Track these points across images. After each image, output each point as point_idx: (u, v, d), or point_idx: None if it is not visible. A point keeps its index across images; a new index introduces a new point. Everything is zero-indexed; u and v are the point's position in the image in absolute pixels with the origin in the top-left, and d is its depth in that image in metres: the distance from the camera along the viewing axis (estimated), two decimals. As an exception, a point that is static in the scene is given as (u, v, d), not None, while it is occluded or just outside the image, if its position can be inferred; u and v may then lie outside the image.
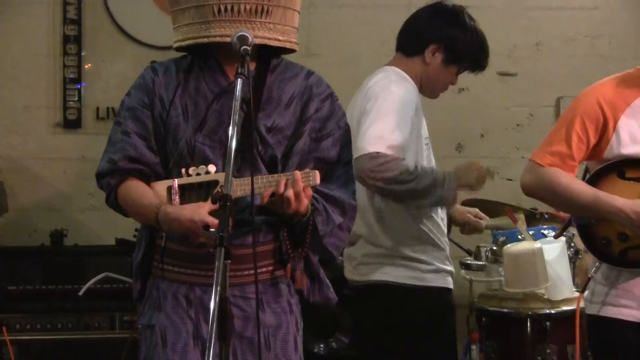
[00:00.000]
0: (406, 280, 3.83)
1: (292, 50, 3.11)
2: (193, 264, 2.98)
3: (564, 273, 4.22)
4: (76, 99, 5.61)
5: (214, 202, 2.76)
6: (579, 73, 5.69)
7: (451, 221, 4.16)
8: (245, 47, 2.77)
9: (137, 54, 5.63)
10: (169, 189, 2.85)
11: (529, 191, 3.46)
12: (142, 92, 3.05)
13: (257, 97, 3.00)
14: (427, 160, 3.89)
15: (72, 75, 5.60)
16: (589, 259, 3.97)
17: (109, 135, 3.07)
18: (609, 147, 3.35)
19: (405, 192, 3.66)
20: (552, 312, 4.20)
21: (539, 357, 4.18)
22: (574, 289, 4.27)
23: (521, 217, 4.50)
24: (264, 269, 3.00)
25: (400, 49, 3.99)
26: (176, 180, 2.83)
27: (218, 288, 2.38)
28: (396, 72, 3.88)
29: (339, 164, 3.08)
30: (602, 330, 3.41)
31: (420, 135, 3.84)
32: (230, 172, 2.57)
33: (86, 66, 5.64)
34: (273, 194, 2.83)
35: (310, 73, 3.13)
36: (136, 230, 4.82)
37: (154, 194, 2.90)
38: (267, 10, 2.96)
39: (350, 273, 3.95)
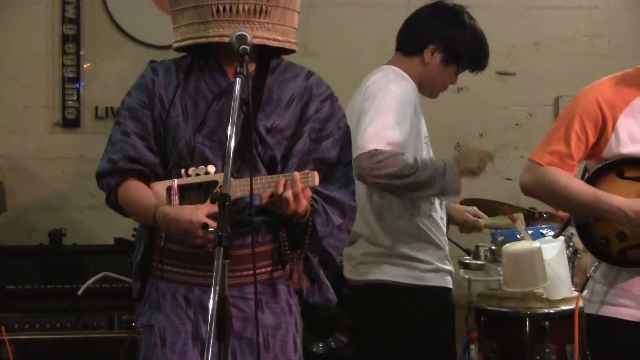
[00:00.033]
0: (405, 279, 3.83)
1: (291, 51, 3.11)
2: (192, 265, 2.98)
3: (563, 272, 4.22)
4: (75, 98, 5.61)
5: (212, 202, 2.76)
6: (578, 72, 5.69)
7: (450, 220, 4.16)
8: (244, 46, 2.76)
9: (135, 54, 5.62)
10: (169, 189, 2.84)
11: (528, 190, 3.47)
12: (142, 92, 3.05)
13: (256, 97, 3.00)
14: (427, 159, 3.89)
15: (70, 75, 5.60)
16: (587, 259, 3.97)
17: (109, 135, 3.08)
18: (607, 146, 3.35)
19: (407, 186, 3.65)
20: (551, 311, 4.20)
21: (538, 357, 4.18)
22: (573, 289, 4.27)
23: (520, 216, 4.51)
24: (263, 270, 3.00)
25: (400, 49, 3.99)
26: (175, 180, 2.83)
27: (217, 287, 2.38)
28: (395, 71, 3.88)
29: (339, 165, 3.08)
30: (601, 330, 3.41)
31: (419, 134, 3.84)
32: (229, 172, 2.57)
33: (85, 65, 5.64)
34: (272, 195, 2.83)
35: (310, 74, 3.13)
36: (135, 229, 4.82)
37: (154, 194, 2.90)
38: (266, 11, 2.97)
39: (350, 272, 3.95)
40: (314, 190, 2.93)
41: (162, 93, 3.03)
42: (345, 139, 3.12)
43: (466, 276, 4.65)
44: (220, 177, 2.77)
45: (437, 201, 3.92)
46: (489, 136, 5.77)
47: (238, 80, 2.71)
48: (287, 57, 3.15)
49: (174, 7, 3.06)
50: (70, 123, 5.61)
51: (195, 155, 2.97)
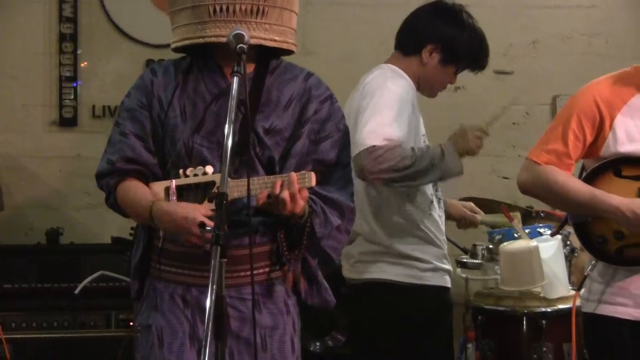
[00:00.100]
0: (404, 278, 3.83)
1: (290, 52, 3.11)
2: (190, 265, 2.98)
3: (560, 271, 4.22)
4: (72, 97, 5.60)
5: (210, 201, 2.76)
6: (576, 72, 5.68)
7: (447, 215, 4.15)
8: (241, 45, 2.77)
9: (133, 52, 5.62)
10: (167, 189, 2.85)
11: (525, 189, 3.47)
12: (141, 93, 3.06)
13: (255, 98, 3.00)
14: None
15: (68, 74, 5.59)
16: (584, 257, 3.97)
17: (108, 135, 3.09)
18: (605, 145, 3.35)
19: (408, 177, 3.64)
20: (548, 310, 4.20)
21: (535, 356, 4.18)
22: (570, 287, 4.27)
23: (517, 215, 4.51)
24: (260, 270, 3.00)
25: (399, 48, 3.99)
26: (174, 181, 2.83)
27: (214, 286, 2.38)
28: (393, 69, 3.88)
29: (338, 166, 3.08)
30: (598, 329, 3.41)
31: (418, 132, 3.84)
32: (227, 170, 2.57)
33: (82, 64, 5.63)
34: (269, 195, 2.83)
35: (309, 75, 3.13)
36: (132, 228, 4.85)
37: (152, 194, 2.90)
38: (263, 11, 2.97)
39: (348, 271, 3.95)
40: (312, 191, 2.93)
41: (161, 94, 3.04)
42: (344, 140, 3.12)
43: (463, 275, 4.65)
44: (218, 178, 2.77)
45: (435, 200, 3.92)
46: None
47: (235, 79, 2.71)
48: (285, 57, 3.16)
49: (172, 8, 3.07)
50: (68, 122, 5.60)
51: (193, 155, 2.97)
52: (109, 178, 3.04)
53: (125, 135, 3.02)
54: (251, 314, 2.89)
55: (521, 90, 5.80)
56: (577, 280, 4.02)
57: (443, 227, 3.98)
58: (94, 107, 5.61)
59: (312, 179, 2.82)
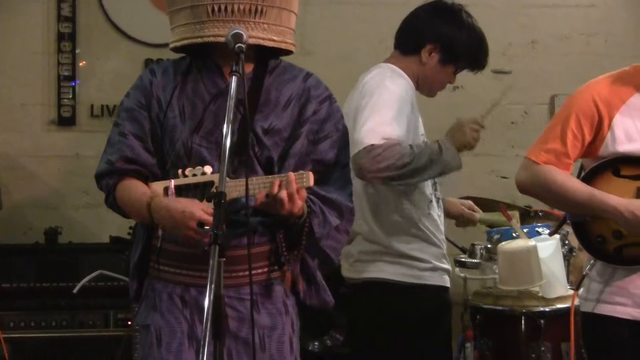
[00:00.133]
0: (403, 277, 3.83)
1: (289, 52, 3.10)
2: (189, 265, 2.98)
3: (558, 271, 4.22)
4: (70, 96, 5.60)
5: (208, 201, 2.76)
6: (574, 71, 5.69)
7: (446, 214, 4.15)
8: (239, 44, 2.77)
9: (131, 52, 5.63)
10: (166, 189, 2.85)
11: (524, 188, 3.47)
12: (139, 93, 3.06)
13: (254, 98, 3.00)
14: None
15: (66, 73, 5.59)
16: (583, 257, 3.97)
17: (108, 135, 3.10)
18: (604, 144, 3.35)
19: (407, 174, 3.64)
20: (547, 309, 4.21)
21: (533, 355, 4.19)
22: (568, 287, 4.27)
23: (515, 214, 4.51)
24: (259, 270, 3.00)
25: (398, 47, 3.98)
26: (172, 181, 2.84)
27: (212, 286, 2.38)
28: (392, 69, 3.88)
29: (337, 166, 3.08)
30: (597, 328, 3.41)
31: (417, 132, 3.84)
32: (225, 170, 2.57)
33: (80, 64, 5.63)
34: (267, 195, 2.83)
35: (308, 75, 3.13)
36: (130, 228, 4.84)
37: (151, 192, 2.90)
38: (261, 11, 2.96)
39: (347, 271, 3.95)
40: (311, 191, 2.93)
41: (160, 94, 3.04)
42: (343, 141, 3.12)
43: (462, 274, 4.65)
44: (216, 178, 2.77)
45: (435, 199, 3.92)
46: (485, 134, 5.75)
47: (234, 79, 2.71)
48: (283, 57, 3.16)
49: (171, 7, 3.07)
50: (66, 121, 5.60)
51: (192, 156, 2.97)
52: (108, 178, 3.04)
53: (124, 135, 3.02)
54: (250, 314, 2.90)
55: (519, 89, 5.79)
56: (576, 280, 4.02)
57: (442, 227, 3.97)
58: (92, 106, 5.61)
59: (310, 178, 2.82)
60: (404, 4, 4.29)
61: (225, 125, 2.63)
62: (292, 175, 2.80)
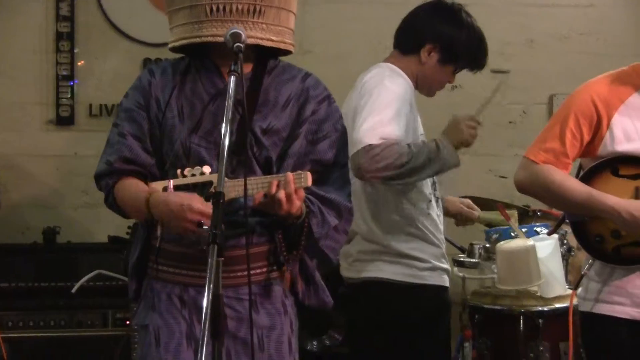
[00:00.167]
0: (402, 277, 3.82)
1: (288, 51, 3.10)
2: (187, 265, 2.98)
3: (557, 270, 4.23)
4: (69, 96, 5.59)
5: (207, 200, 2.76)
6: (573, 71, 5.68)
7: (445, 212, 4.15)
8: (238, 44, 2.77)
9: (129, 51, 5.62)
10: (165, 189, 2.85)
11: (522, 188, 3.47)
12: (138, 93, 3.06)
13: (253, 99, 3.00)
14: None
15: (64, 72, 5.59)
16: (581, 256, 3.98)
17: (107, 136, 3.10)
18: (602, 144, 3.35)
19: (405, 174, 3.63)
20: (545, 309, 4.21)
21: (532, 354, 4.19)
22: (567, 286, 4.28)
23: (514, 214, 4.51)
24: (258, 270, 3.00)
25: (397, 46, 3.98)
26: (171, 181, 2.84)
27: (211, 285, 2.38)
28: (391, 68, 3.87)
29: (336, 166, 3.08)
30: (595, 328, 3.41)
31: (416, 131, 3.84)
32: (223, 169, 2.57)
33: (79, 63, 5.62)
34: (265, 195, 2.83)
35: (307, 75, 3.13)
36: (129, 227, 4.85)
37: (150, 188, 2.91)
38: (260, 11, 2.97)
39: (346, 270, 3.94)
40: (310, 191, 2.93)
41: (159, 94, 3.04)
42: (342, 141, 3.12)
43: (460, 274, 4.65)
44: (215, 178, 2.77)
45: (434, 199, 3.92)
46: (483, 134, 5.75)
47: (232, 78, 2.71)
48: (282, 57, 3.16)
49: (170, 7, 3.07)
50: (64, 121, 5.60)
51: (191, 155, 2.97)
52: (107, 178, 3.05)
53: (123, 136, 3.03)
54: (248, 314, 2.90)
55: (518, 89, 5.80)
56: (574, 279, 4.03)
57: (441, 227, 3.97)
58: (91, 105, 5.61)
59: (307, 178, 2.82)
60: (402, 3, 4.29)
61: (223, 125, 2.63)
62: (290, 175, 2.81)
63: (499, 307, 4.29)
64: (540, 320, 4.17)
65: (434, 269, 3.87)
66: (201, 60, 3.08)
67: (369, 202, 3.85)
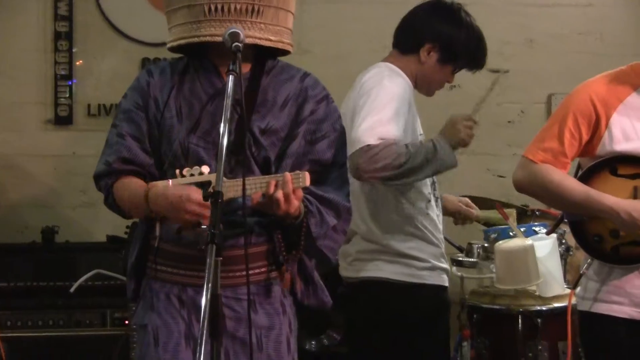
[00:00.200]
0: (401, 277, 3.82)
1: (286, 51, 3.10)
2: (186, 265, 2.99)
3: (555, 270, 4.23)
4: (67, 95, 5.59)
5: (205, 200, 2.76)
6: (571, 70, 5.68)
7: (443, 211, 4.15)
8: (236, 43, 2.77)
9: (128, 51, 5.62)
10: None
11: (521, 187, 3.47)
12: (137, 94, 3.06)
13: (251, 99, 3.00)
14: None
15: (63, 72, 5.59)
16: (580, 256, 3.98)
17: (105, 134, 3.10)
18: (601, 143, 3.35)
19: (403, 174, 3.63)
20: (544, 308, 4.21)
21: (530, 354, 4.19)
22: (565, 286, 4.28)
23: (512, 213, 4.50)
24: (256, 270, 3.00)
25: (396, 46, 3.98)
26: (170, 181, 2.85)
27: (209, 285, 2.38)
28: (390, 67, 3.87)
29: (334, 166, 3.08)
30: (594, 327, 3.42)
31: (415, 131, 3.84)
32: (222, 169, 2.57)
33: (77, 63, 5.62)
34: (264, 195, 2.83)
35: (306, 75, 3.13)
36: (127, 227, 4.84)
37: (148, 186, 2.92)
38: (258, 10, 2.96)
39: (345, 270, 3.94)
40: (308, 191, 2.93)
41: (157, 95, 3.04)
42: (341, 141, 3.11)
43: (459, 273, 4.64)
44: (213, 177, 2.76)
45: (433, 198, 3.92)
46: (481, 133, 5.75)
47: (231, 78, 2.71)
48: (281, 57, 3.16)
49: (169, 7, 3.07)
50: (63, 120, 5.59)
51: (189, 155, 2.97)
52: (107, 179, 3.05)
53: (122, 136, 3.03)
54: (247, 314, 2.90)
55: (516, 88, 5.80)
56: (573, 279, 4.03)
57: (441, 226, 3.97)
58: (89, 105, 5.61)
59: (306, 178, 2.82)
60: (401, 2, 4.29)
61: (222, 124, 2.63)
62: (288, 175, 2.80)
63: (497, 307, 4.29)
64: (539, 320, 4.17)
65: (433, 268, 3.87)
66: (200, 60, 3.08)
67: (368, 201, 3.85)
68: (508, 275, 4.14)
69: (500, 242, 4.22)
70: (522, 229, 4.29)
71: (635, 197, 3.31)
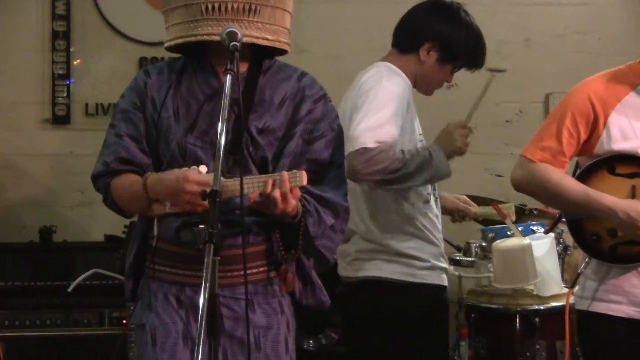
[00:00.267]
0: (401, 276, 3.82)
1: (283, 51, 3.10)
2: (184, 265, 2.98)
3: (553, 269, 4.23)
4: (65, 94, 5.60)
5: (203, 199, 2.76)
6: (568, 69, 5.69)
7: (441, 210, 4.15)
8: (234, 43, 2.76)
9: (125, 50, 5.62)
10: None
11: (519, 187, 3.47)
12: (134, 94, 3.07)
13: (249, 98, 3.00)
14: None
15: (61, 71, 5.59)
16: (577, 255, 3.98)
17: (103, 134, 3.10)
18: (599, 143, 3.35)
19: (397, 179, 3.64)
20: (541, 308, 4.21)
21: (528, 353, 4.19)
22: (563, 285, 4.28)
23: (511, 206, 4.49)
24: (254, 270, 3.00)
25: (395, 45, 3.98)
26: None
27: (207, 284, 2.38)
28: (389, 67, 3.87)
29: (332, 165, 3.08)
30: (592, 326, 3.42)
31: (414, 131, 3.84)
32: (220, 168, 2.57)
33: (75, 62, 5.62)
34: (261, 195, 2.83)
35: (303, 74, 3.12)
36: (125, 226, 4.84)
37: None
38: (255, 9, 2.96)
39: (344, 269, 3.94)
40: (306, 190, 2.93)
41: (154, 95, 3.04)
42: (338, 140, 3.11)
43: (457, 273, 4.65)
44: (211, 177, 2.77)
45: (432, 198, 3.92)
46: (479, 133, 5.75)
47: (228, 77, 2.71)
48: (278, 56, 3.15)
49: (166, 7, 3.06)
50: (60, 120, 5.60)
51: (187, 155, 2.97)
52: (104, 178, 3.05)
53: (119, 136, 3.03)
54: (245, 313, 2.90)
55: (514, 88, 5.80)
56: (571, 278, 4.04)
57: (440, 226, 3.97)
58: (87, 104, 5.61)
59: (303, 177, 2.81)
60: (400, 2, 4.29)
61: (220, 124, 2.63)
62: (285, 174, 2.80)
63: (495, 306, 4.29)
64: (537, 319, 4.18)
65: (432, 268, 3.87)
66: (197, 60, 3.08)
67: (368, 201, 3.84)
68: (506, 275, 4.14)
69: (498, 241, 4.22)
70: (520, 228, 4.29)
71: (633, 196, 3.32)
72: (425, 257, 3.85)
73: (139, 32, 5.60)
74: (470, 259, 4.58)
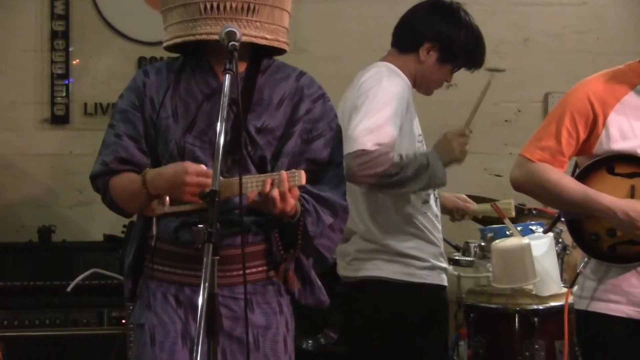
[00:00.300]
0: (400, 276, 3.82)
1: (282, 50, 3.10)
2: (183, 264, 2.98)
3: (552, 269, 4.23)
4: (64, 94, 5.60)
5: (202, 199, 2.76)
6: (567, 69, 5.69)
7: (441, 209, 4.14)
8: (233, 42, 2.77)
9: (124, 50, 5.62)
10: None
11: (518, 186, 3.47)
12: (133, 94, 3.07)
13: (247, 98, 3.00)
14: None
15: (59, 71, 5.59)
16: (577, 255, 3.98)
17: (102, 134, 3.10)
18: (598, 142, 3.35)
19: (394, 184, 3.64)
20: (540, 307, 4.20)
21: (527, 353, 4.18)
22: (562, 285, 4.28)
23: (511, 202, 4.48)
24: (253, 270, 3.00)
25: (395, 45, 3.97)
26: None
27: (206, 284, 2.38)
28: (388, 67, 3.87)
29: (331, 165, 3.08)
30: (591, 326, 3.42)
31: (413, 132, 3.83)
32: (218, 167, 2.57)
33: (74, 62, 5.62)
34: (259, 194, 2.83)
35: (301, 74, 3.12)
36: (124, 226, 4.84)
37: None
38: (254, 9, 2.96)
39: (344, 269, 3.94)
40: (305, 190, 2.93)
41: (153, 95, 3.04)
42: (337, 140, 3.11)
43: (456, 273, 4.65)
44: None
45: (432, 198, 3.91)
46: (478, 132, 5.75)
47: (227, 77, 2.71)
48: (277, 56, 3.15)
49: (165, 6, 3.06)
50: (59, 119, 5.60)
51: (185, 155, 2.97)
52: (103, 177, 3.05)
53: (119, 136, 3.03)
54: (244, 313, 2.90)
55: (513, 87, 5.80)
56: (570, 278, 4.03)
57: (439, 226, 3.97)
58: (85, 104, 5.61)
59: (301, 177, 2.81)
60: (399, 2, 4.28)
61: (218, 123, 2.63)
62: (284, 173, 2.81)
63: (494, 306, 4.29)
64: (536, 319, 4.17)
65: (432, 268, 3.87)
66: (196, 59, 3.08)
67: (367, 201, 3.84)
68: (505, 274, 4.14)
69: (497, 241, 4.21)
70: (519, 228, 4.28)
71: (632, 196, 3.32)
72: (425, 257, 3.85)
73: (138, 31, 5.60)
74: (469, 258, 4.57)
